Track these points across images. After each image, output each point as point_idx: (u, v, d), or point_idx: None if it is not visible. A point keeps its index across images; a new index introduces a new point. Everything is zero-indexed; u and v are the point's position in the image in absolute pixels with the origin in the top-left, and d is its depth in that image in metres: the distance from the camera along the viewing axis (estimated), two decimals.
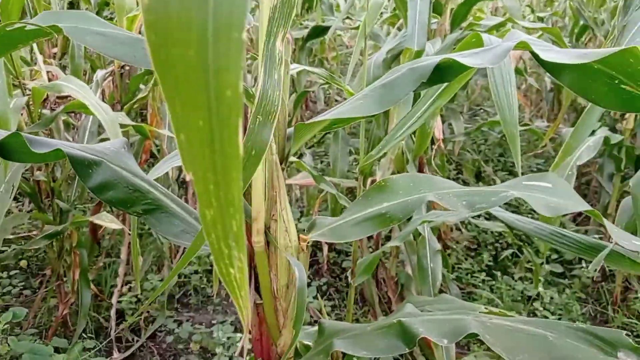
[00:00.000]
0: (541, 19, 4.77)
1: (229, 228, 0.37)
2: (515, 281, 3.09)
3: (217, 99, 0.33)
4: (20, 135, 0.84)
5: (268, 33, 0.76)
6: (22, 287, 2.94)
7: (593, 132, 2.69)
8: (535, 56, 0.65)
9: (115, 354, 2.55)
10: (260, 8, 0.77)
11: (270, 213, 0.92)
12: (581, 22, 4.10)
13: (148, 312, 2.83)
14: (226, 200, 0.36)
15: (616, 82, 0.68)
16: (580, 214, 3.46)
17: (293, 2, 0.76)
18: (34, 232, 2.88)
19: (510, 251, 3.33)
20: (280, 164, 0.91)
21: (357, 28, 3.51)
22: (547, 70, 0.72)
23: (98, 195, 0.92)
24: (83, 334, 2.58)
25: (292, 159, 1.33)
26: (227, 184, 0.36)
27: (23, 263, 3.12)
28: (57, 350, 2.32)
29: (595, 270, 3.03)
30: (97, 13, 3.19)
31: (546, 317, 2.78)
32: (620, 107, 0.71)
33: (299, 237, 0.96)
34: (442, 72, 0.76)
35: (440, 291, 2.26)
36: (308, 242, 0.96)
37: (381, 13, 3.07)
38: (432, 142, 2.68)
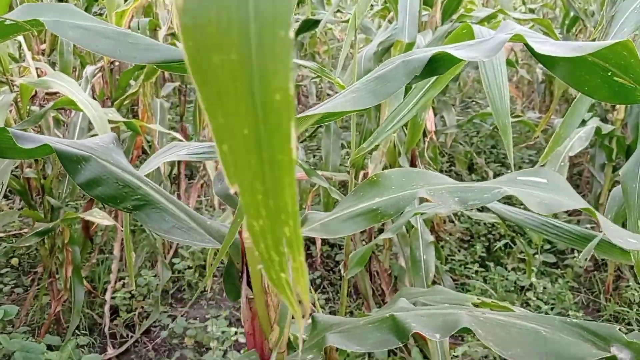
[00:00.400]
0: (532, 11, 4.77)
1: (280, 235, 0.35)
2: (508, 272, 3.10)
3: (264, 105, 0.31)
4: (5, 130, 0.83)
5: None
6: (13, 285, 2.92)
7: (584, 123, 2.70)
8: (529, 49, 0.65)
9: (110, 350, 2.54)
10: None
11: None
12: (572, 14, 4.11)
13: (142, 307, 2.83)
14: (277, 209, 0.35)
15: (609, 74, 0.68)
16: None
17: None
18: (25, 230, 2.86)
19: (503, 242, 3.34)
20: None
21: (347, 21, 3.50)
22: (541, 63, 0.72)
23: (87, 191, 0.91)
24: (76, 331, 2.56)
25: None
26: (279, 191, 0.34)
27: (14, 261, 3.09)
28: (50, 347, 2.30)
29: (587, 259, 3.05)
30: (86, 9, 3.15)
31: (539, 307, 2.80)
32: (613, 99, 0.71)
33: None
34: (436, 65, 0.75)
35: (434, 282, 2.26)
36: None
37: (372, 5, 3.06)
38: (424, 135, 2.68)
